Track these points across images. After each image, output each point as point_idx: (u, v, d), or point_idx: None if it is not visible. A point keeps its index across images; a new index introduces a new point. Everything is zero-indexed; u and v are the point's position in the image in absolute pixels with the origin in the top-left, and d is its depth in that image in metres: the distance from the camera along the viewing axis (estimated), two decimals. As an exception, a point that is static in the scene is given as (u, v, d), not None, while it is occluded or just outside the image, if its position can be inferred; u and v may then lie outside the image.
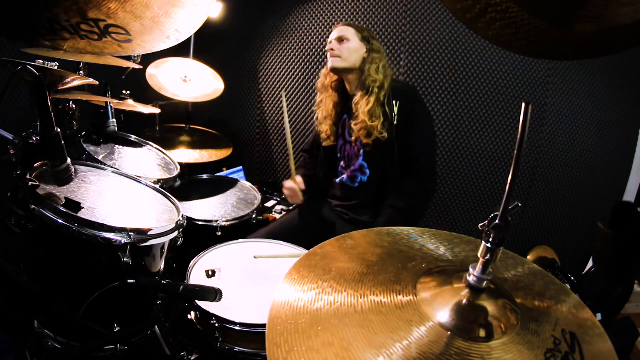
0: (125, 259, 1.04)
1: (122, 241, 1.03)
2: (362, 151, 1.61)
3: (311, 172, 1.85)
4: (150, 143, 1.85)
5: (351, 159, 1.68)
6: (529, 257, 2.08)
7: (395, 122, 1.53)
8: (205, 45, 2.48)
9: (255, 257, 1.32)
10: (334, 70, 1.61)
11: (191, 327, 1.10)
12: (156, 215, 1.26)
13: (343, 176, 1.72)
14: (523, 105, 0.55)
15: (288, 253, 1.38)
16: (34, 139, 0.99)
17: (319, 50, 2.50)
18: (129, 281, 0.96)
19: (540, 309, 0.65)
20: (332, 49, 1.59)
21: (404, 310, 0.60)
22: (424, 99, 1.59)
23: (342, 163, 1.73)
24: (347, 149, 1.68)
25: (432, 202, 2.40)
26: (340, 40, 1.58)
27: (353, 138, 1.63)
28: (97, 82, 1.39)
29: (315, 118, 1.80)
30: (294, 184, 1.72)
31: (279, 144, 2.79)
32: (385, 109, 1.52)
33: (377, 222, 1.58)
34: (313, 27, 2.49)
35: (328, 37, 1.63)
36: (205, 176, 2.08)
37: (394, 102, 1.52)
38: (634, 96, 2.31)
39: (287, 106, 1.62)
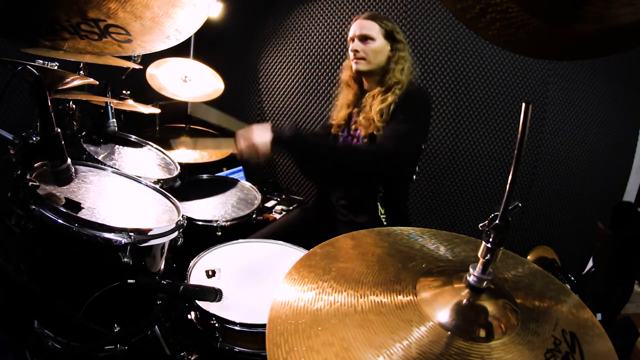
0: (125, 259, 1.04)
1: (122, 241, 1.03)
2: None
3: None
4: (150, 143, 1.85)
5: None
6: (529, 257, 2.08)
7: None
8: (205, 45, 2.48)
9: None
10: (360, 73, 1.56)
11: (191, 327, 1.10)
12: (156, 215, 1.26)
13: None
14: (523, 105, 0.55)
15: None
16: (34, 139, 0.99)
17: (319, 50, 2.49)
18: (129, 281, 0.96)
19: (540, 309, 0.65)
20: (356, 50, 1.50)
21: (404, 310, 0.60)
22: (422, 107, 1.51)
23: None
24: (349, 141, 1.67)
25: (432, 202, 2.41)
26: (364, 38, 1.49)
27: (353, 128, 1.60)
28: (97, 82, 1.39)
29: (335, 105, 1.74)
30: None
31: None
32: (390, 108, 1.48)
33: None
34: (313, 27, 2.49)
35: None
36: (205, 176, 2.08)
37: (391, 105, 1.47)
38: (634, 96, 2.31)
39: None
